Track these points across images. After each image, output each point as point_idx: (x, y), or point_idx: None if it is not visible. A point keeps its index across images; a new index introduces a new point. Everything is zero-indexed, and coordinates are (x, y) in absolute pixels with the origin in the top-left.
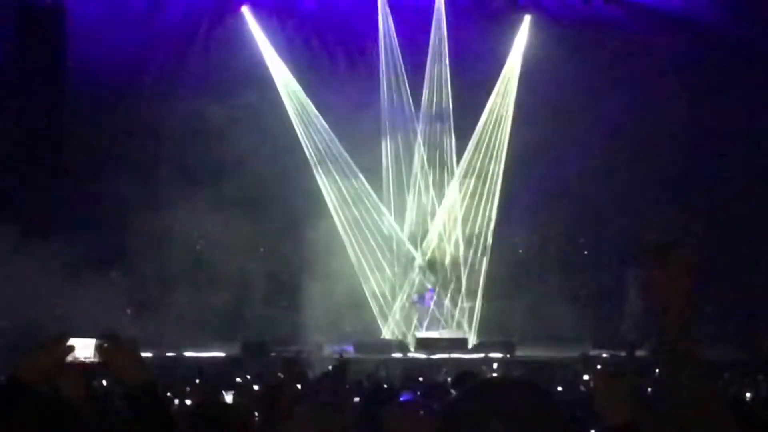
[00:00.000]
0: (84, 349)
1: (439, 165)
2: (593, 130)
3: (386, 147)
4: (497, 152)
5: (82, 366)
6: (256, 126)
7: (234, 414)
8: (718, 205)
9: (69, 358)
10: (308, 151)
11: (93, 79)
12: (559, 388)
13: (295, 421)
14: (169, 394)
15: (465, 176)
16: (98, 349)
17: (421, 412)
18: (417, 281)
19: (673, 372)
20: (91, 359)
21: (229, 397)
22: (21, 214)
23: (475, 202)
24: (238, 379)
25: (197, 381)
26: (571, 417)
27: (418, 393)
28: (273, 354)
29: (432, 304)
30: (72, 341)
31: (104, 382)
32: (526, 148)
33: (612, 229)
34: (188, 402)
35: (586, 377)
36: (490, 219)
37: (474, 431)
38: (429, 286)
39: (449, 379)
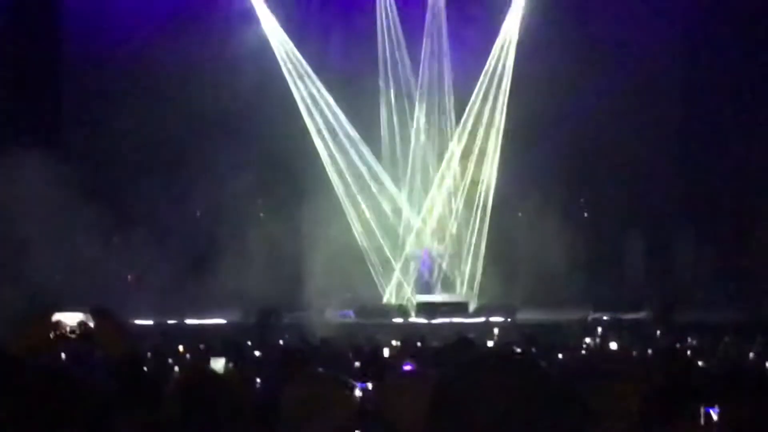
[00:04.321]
0: (71, 321)
1: (439, 128)
2: (593, 94)
3: (385, 111)
4: (497, 115)
5: (66, 339)
6: (253, 90)
7: (223, 382)
8: (719, 167)
9: (56, 332)
10: (307, 115)
11: (89, 43)
12: (560, 356)
13: (300, 388)
14: (170, 361)
15: (465, 139)
16: (81, 323)
17: (418, 385)
18: (415, 243)
19: None
20: (77, 332)
21: (219, 364)
22: (19, 179)
23: (475, 165)
24: (248, 343)
25: (201, 347)
26: (568, 389)
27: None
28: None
29: (429, 263)
30: (59, 315)
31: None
32: (526, 111)
33: (612, 191)
34: None
35: (587, 341)
36: (490, 182)
37: (464, 411)
38: (424, 247)
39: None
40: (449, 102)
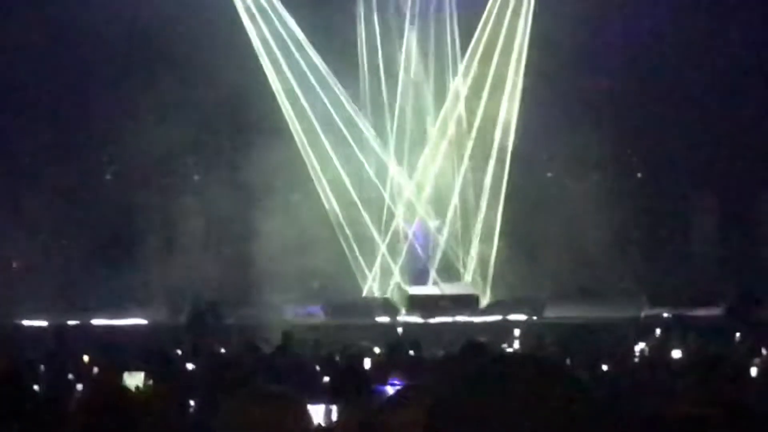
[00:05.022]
0: None
1: (437, 58)
2: (648, 7)
3: (365, 35)
4: (518, 38)
5: None
6: (181, 4)
7: (141, 403)
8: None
9: None
10: (257, 39)
11: None
12: (605, 367)
13: (230, 413)
14: (71, 375)
15: (473, 73)
16: None
17: (408, 408)
18: (406, 214)
19: None
20: None
21: (136, 380)
22: None
23: (487, 108)
24: (179, 351)
25: (112, 357)
26: (616, 409)
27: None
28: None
29: (425, 242)
30: None
31: None
32: (557, 33)
33: (675, 141)
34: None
35: (640, 347)
36: (508, 130)
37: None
38: (416, 218)
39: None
40: (452, 21)
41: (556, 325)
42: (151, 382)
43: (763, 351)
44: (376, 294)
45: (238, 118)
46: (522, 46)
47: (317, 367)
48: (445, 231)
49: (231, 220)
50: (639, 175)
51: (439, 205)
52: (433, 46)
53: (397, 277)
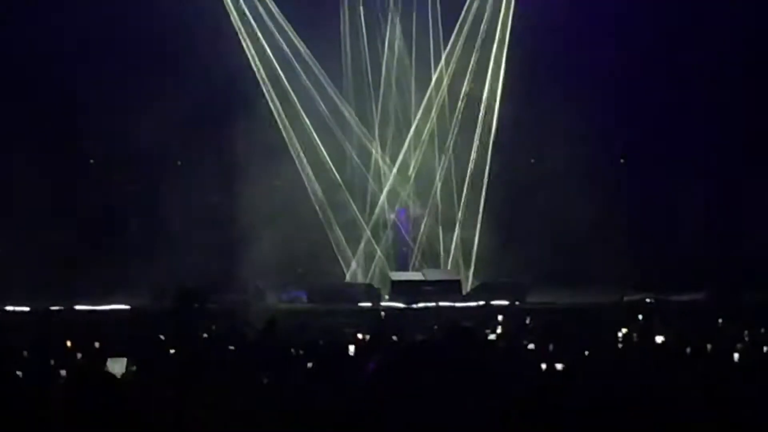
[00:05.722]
0: None
1: (416, 37)
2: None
3: (348, 18)
4: (503, 13)
5: None
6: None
7: (124, 388)
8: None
9: None
10: (240, 23)
11: None
12: (586, 353)
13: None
14: (53, 361)
15: (457, 55)
16: None
17: None
18: (389, 198)
19: None
20: None
21: (119, 365)
22: None
23: (471, 90)
24: (162, 337)
25: (96, 344)
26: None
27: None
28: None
29: (409, 227)
30: None
31: None
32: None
33: (662, 123)
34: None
35: (624, 331)
36: (491, 112)
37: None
38: (398, 206)
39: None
40: (435, 6)
41: (538, 310)
42: (134, 367)
43: (746, 337)
44: (360, 279)
45: (221, 104)
46: (505, 31)
47: (301, 352)
48: (428, 216)
49: (214, 205)
50: (622, 160)
51: (422, 190)
52: (416, 31)
53: (380, 262)
